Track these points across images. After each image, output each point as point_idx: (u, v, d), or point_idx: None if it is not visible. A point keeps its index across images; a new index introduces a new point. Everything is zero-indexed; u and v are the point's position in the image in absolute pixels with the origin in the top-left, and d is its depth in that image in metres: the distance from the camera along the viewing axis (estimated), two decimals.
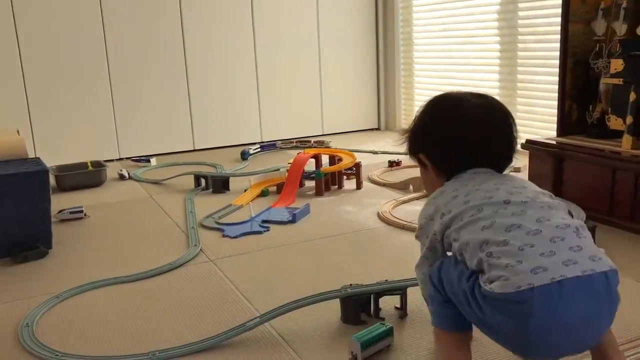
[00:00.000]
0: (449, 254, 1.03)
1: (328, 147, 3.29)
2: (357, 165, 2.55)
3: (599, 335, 0.92)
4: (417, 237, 1.10)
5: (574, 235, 0.91)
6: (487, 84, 3.28)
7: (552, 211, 0.95)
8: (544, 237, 0.90)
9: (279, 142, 3.57)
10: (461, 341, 1.02)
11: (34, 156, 2.38)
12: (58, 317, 1.43)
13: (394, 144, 3.53)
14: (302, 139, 3.65)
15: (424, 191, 2.37)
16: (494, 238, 0.91)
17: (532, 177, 2.17)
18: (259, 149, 3.40)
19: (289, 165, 2.53)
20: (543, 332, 0.85)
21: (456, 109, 1.09)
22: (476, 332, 1.12)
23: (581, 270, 0.86)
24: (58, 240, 1.97)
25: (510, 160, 1.10)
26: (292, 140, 3.63)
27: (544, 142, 2.15)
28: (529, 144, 2.19)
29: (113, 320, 1.40)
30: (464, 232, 0.96)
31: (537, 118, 2.98)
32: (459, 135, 1.07)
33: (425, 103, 1.14)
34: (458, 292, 0.95)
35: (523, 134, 2.90)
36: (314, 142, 3.56)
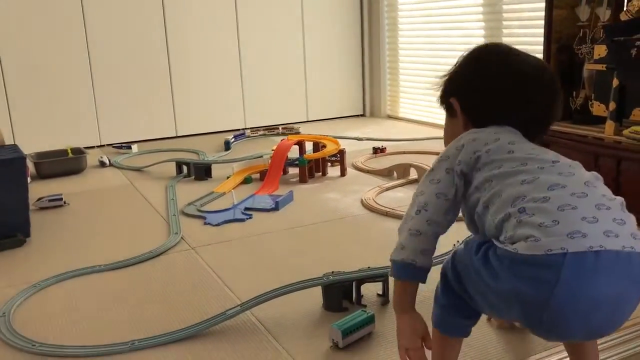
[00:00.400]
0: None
1: (298, 134, 3.28)
2: (341, 152, 2.53)
3: (620, 323, 0.81)
4: (432, 169, 0.97)
5: (619, 207, 0.82)
6: None
7: (598, 181, 0.86)
8: (589, 201, 0.80)
9: (248, 131, 3.47)
10: (456, 341, 0.98)
11: (11, 143, 2.33)
12: (36, 306, 1.41)
13: (378, 130, 3.52)
14: (270, 127, 3.59)
15: (408, 178, 2.36)
16: (533, 194, 0.81)
17: None
18: (233, 139, 3.29)
19: (272, 152, 2.51)
20: (566, 304, 0.76)
21: (505, 60, 1.00)
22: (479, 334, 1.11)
23: (621, 245, 0.76)
24: (37, 228, 1.93)
25: (544, 131, 1.02)
26: (259, 129, 3.56)
27: None
28: None
29: (91, 309, 1.38)
30: (499, 180, 0.87)
31: None
32: (504, 87, 0.97)
33: (469, 50, 1.04)
34: (470, 271, 0.86)
35: None
36: (282, 128, 3.53)
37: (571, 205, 0.79)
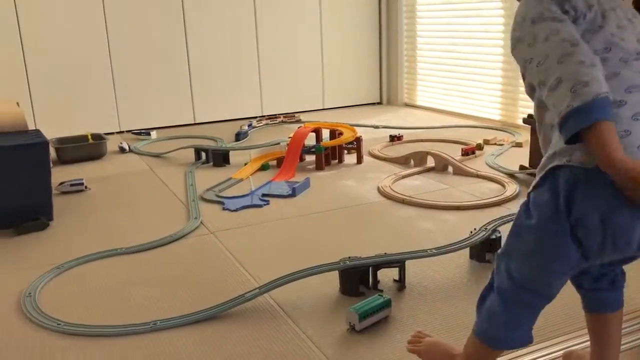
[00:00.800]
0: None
1: (299, 121, 3.33)
2: (358, 140, 2.54)
3: None
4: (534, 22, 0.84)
5: None
6: (490, 57, 3.25)
7: None
8: None
9: (254, 121, 3.43)
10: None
11: (34, 128, 2.37)
12: (59, 287, 1.44)
13: (395, 118, 3.52)
14: (271, 116, 3.60)
15: (425, 166, 2.37)
16: (611, 96, 0.73)
17: (533, 152, 2.17)
18: (248, 128, 3.26)
19: (289, 139, 2.52)
20: (630, 215, 0.72)
21: None
22: None
23: None
24: (59, 212, 1.98)
25: None
26: (262, 118, 3.54)
27: None
28: (531, 119, 2.18)
29: (114, 290, 1.41)
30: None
31: None
32: None
33: None
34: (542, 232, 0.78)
35: (526, 109, 2.92)
36: (283, 117, 3.54)
37: None
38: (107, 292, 1.40)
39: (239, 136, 3.08)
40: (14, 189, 1.84)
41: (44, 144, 1.88)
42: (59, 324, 1.25)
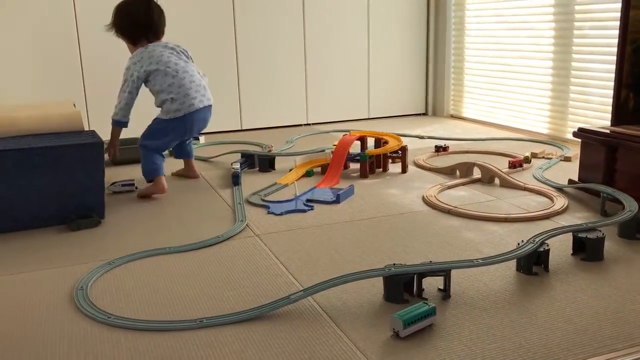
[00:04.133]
0: None
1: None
2: (403, 149, 2.54)
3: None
4: None
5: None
6: (539, 70, 3.21)
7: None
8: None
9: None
10: None
11: (89, 129, 2.45)
12: (110, 282, 1.49)
13: (440, 129, 3.50)
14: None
15: (471, 177, 2.35)
16: None
17: (583, 167, 2.13)
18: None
19: (334, 146, 2.54)
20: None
21: None
22: (481, 317, 1.11)
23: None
24: (110, 211, 2.04)
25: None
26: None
27: (596, 131, 2.10)
28: (581, 133, 2.14)
29: (162, 287, 1.45)
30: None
31: (590, 107, 2.90)
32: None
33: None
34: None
35: (576, 122, 2.87)
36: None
37: None
38: (155, 289, 1.44)
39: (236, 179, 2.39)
40: (69, 187, 1.91)
41: (99, 144, 1.95)
42: (109, 317, 1.29)
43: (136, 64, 2.27)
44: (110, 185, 2.29)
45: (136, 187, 2.33)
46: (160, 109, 2.34)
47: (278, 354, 1.13)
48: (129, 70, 2.28)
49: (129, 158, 2.78)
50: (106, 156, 2.27)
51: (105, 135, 2.25)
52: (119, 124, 2.29)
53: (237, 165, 2.49)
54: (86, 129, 2.21)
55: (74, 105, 2.36)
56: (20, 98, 3.12)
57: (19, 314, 1.32)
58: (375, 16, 3.86)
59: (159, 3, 2.48)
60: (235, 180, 2.36)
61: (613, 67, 2.15)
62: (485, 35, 3.66)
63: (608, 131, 2.07)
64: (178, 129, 2.30)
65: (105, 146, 2.20)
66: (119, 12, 2.33)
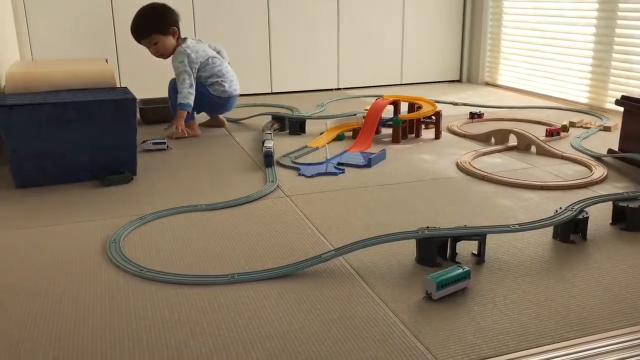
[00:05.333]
0: None
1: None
2: (437, 114, 2.49)
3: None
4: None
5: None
6: (580, 37, 3.09)
7: None
8: None
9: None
10: None
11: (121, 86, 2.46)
12: (142, 237, 1.50)
13: (475, 97, 3.43)
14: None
15: (507, 144, 2.30)
16: None
17: (624, 136, 2.06)
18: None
19: (366, 111, 2.50)
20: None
21: None
22: (479, 304, 1.08)
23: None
24: (142, 168, 2.04)
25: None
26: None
27: None
28: (625, 101, 2.06)
29: (194, 243, 1.45)
30: None
31: (634, 76, 2.80)
32: None
33: None
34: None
35: (618, 91, 2.77)
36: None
37: None
38: (186, 244, 1.44)
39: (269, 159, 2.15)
40: (101, 142, 1.92)
41: (132, 100, 1.95)
42: (142, 270, 1.29)
43: (192, 61, 2.53)
44: (142, 143, 2.30)
45: (167, 147, 2.33)
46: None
47: (309, 311, 1.12)
48: (184, 65, 2.50)
49: (159, 118, 2.78)
50: (172, 130, 2.46)
51: (136, 91, 2.25)
52: (188, 106, 2.48)
53: (271, 144, 2.18)
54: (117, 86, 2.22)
55: (106, 61, 2.36)
56: (56, 54, 3.14)
57: (52, 264, 1.34)
58: None
59: None
60: (267, 161, 2.07)
61: None
62: (524, 0, 3.54)
63: None
64: (217, 105, 2.64)
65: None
66: (155, 15, 2.54)
